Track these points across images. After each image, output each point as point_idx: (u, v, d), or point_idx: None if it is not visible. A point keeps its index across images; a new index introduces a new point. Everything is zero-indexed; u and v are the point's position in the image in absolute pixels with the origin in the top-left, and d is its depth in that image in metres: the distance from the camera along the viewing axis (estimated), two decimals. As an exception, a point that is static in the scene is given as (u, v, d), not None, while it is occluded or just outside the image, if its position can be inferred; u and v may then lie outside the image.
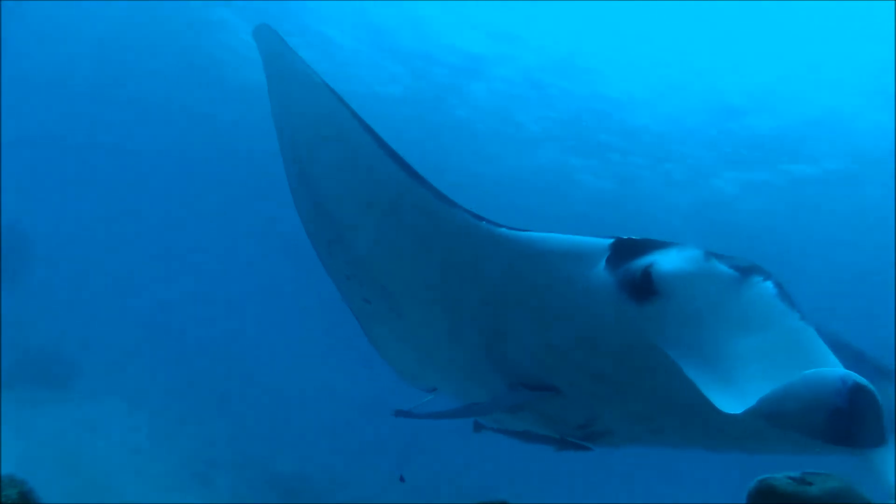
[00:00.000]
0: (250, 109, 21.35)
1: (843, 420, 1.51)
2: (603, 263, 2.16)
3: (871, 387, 1.53)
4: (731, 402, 1.71)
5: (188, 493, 10.13)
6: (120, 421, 11.41)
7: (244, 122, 22.51)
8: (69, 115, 23.78)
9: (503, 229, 2.27)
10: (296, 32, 16.14)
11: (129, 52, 19.42)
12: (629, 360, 2.20)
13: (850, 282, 19.83)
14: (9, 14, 17.19)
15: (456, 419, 3.09)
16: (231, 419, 13.80)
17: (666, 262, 2.05)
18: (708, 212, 19.33)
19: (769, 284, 1.93)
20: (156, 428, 11.65)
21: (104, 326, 15.99)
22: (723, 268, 2.00)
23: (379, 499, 12.58)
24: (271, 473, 12.02)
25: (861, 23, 11.35)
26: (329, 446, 14.58)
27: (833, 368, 1.64)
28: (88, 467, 9.35)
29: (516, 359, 2.57)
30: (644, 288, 2.04)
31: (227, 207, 28.81)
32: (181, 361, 16.17)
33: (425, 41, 15.15)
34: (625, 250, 2.14)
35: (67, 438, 9.80)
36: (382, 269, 2.91)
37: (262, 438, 13.41)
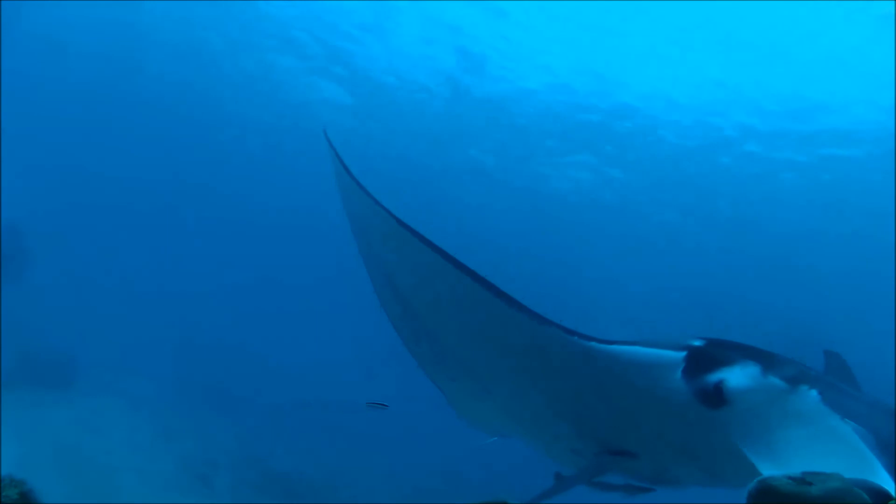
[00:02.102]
0: (250, 105, 21.41)
1: None
2: (679, 374, 2.68)
3: None
4: None
5: (188, 493, 10.11)
6: (120, 421, 11.39)
7: (243, 119, 22.51)
8: (69, 115, 23.76)
9: (593, 343, 2.71)
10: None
11: (130, 51, 19.40)
12: (700, 440, 2.73)
13: (850, 273, 19.80)
14: (9, 13, 17.18)
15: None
16: (231, 419, 13.78)
17: (732, 378, 2.59)
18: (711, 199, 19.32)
19: (814, 392, 2.45)
20: (156, 428, 11.63)
21: (104, 326, 15.96)
22: (777, 381, 2.54)
23: (379, 499, 12.58)
24: (271, 473, 12.01)
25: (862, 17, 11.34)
26: (329, 446, 14.56)
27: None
28: (88, 467, 9.33)
29: (599, 432, 3.09)
30: (715, 399, 2.59)
31: (226, 206, 28.79)
32: (181, 361, 16.15)
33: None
34: (696, 364, 2.67)
35: (67, 438, 9.78)
36: (474, 366, 3.29)
37: (262, 438, 13.39)
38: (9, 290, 13.22)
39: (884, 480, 1.99)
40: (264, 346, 21.10)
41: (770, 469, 2.24)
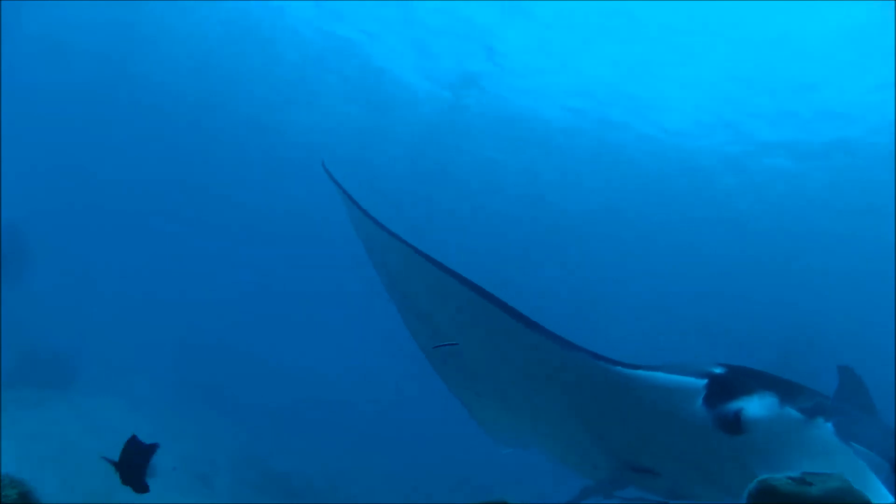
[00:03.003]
0: (252, 105, 21.41)
1: None
2: (700, 401, 2.83)
3: None
4: None
5: (188, 493, 10.11)
6: (120, 421, 11.37)
7: (245, 119, 22.51)
8: (70, 115, 23.75)
9: (618, 368, 2.86)
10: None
11: (132, 50, 19.40)
12: (719, 463, 2.87)
13: (850, 273, 19.79)
14: (9, 14, 17.17)
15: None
16: (231, 419, 13.77)
17: (750, 408, 2.72)
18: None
19: (829, 425, 2.57)
20: (156, 428, 11.61)
21: (104, 326, 15.96)
22: (793, 413, 2.66)
23: (379, 499, 12.57)
24: (271, 473, 12.01)
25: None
26: (329, 446, 14.56)
27: None
28: (88, 467, 9.32)
29: (622, 450, 3.22)
30: (734, 427, 2.73)
31: (226, 208, 28.78)
32: (181, 361, 16.15)
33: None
34: (717, 392, 2.82)
35: (67, 439, 9.78)
36: (500, 384, 3.41)
37: (262, 438, 13.39)
38: (9, 290, 13.21)
39: None
40: (264, 347, 21.12)
41: None
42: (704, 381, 2.85)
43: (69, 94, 22.34)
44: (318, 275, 28.00)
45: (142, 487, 2.76)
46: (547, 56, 14.60)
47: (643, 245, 22.57)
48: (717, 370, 2.90)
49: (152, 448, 2.93)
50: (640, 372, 2.87)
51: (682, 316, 23.51)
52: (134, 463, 2.86)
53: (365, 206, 3.32)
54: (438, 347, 3.43)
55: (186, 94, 21.42)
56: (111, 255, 25.55)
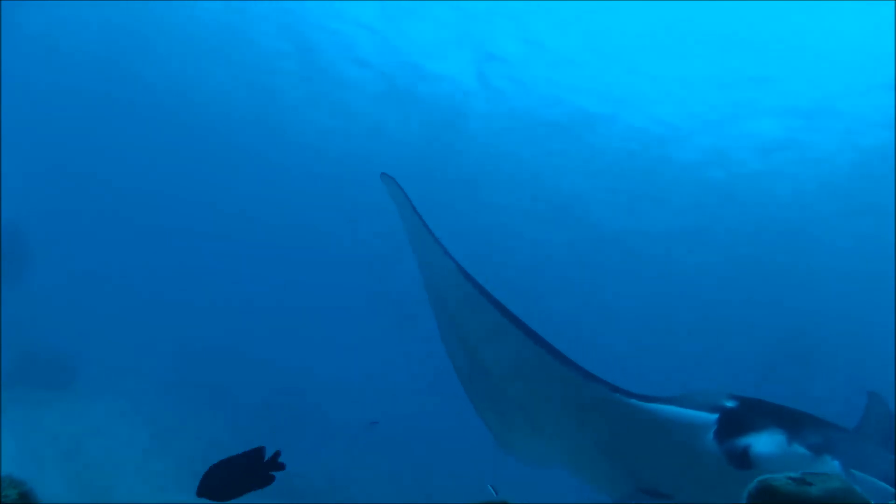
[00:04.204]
0: (253, 107, 21.41)
1: None
2: (711, 435, 2.93)
3: None
4: None
5: (188, 493, 10.09)
6: (120, 421, 11.39)
7: (243, 120, 22.50)
8: (70, 115, 23.75)
9: (633, 400, 3.00)
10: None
11: (132, 51, 19.40)
12: (729, 491, 2.90)
13: (849, 273, 19.77)
14: (9, 14, 17.17)
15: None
16: (231, 419, 13.77)
17: (759, 445, 2.81)
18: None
19: (836, 463, 2.64)
20: (156, 428, 11.62)
21: (104, 327, 15.95)
22: (801, 450, 2.74)
23: (379, 499, 12.58)
24: (271, 473, 11.98)
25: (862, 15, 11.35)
26: (329, 446, 14.56)
27: None
28: (88, 467, 9.33)
29: (636, 473, 3.33)
30: (744, 462, 2.80)
31: (223, 208, 28.78)
32: (181, 361, 16.13)
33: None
34: (727, 427, 2.91)
35: (67, 439, 9.78)
36: (524, 406, 3.57)
37: (261, 439, 13.38)
38: (9, 290, 13.22)
39: None
40: (264, 347, 21.08)
41: None
42: (715, 416, 2.94)
43: (69, 94, 22.33)
44: (318, 276, 27.98)
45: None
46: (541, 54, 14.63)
47: (640, 246, 22.55)
48: (729, 404, 2.99)
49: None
50: (653, 406, 2.99)
51: (680, 317, 23.47)
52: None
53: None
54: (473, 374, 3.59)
55: (187, 94, 21.41)
56: (111, 255, 25.51)
